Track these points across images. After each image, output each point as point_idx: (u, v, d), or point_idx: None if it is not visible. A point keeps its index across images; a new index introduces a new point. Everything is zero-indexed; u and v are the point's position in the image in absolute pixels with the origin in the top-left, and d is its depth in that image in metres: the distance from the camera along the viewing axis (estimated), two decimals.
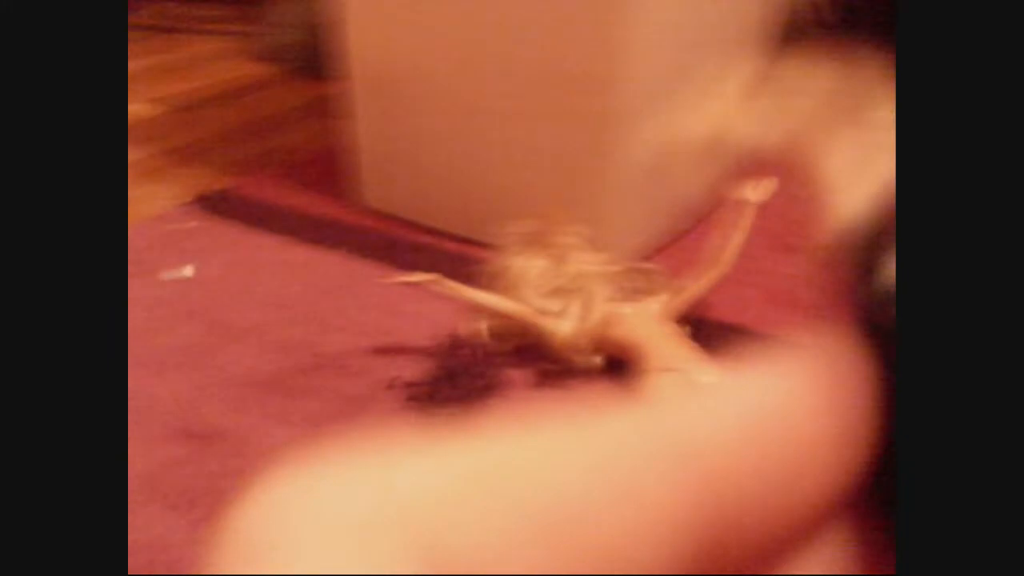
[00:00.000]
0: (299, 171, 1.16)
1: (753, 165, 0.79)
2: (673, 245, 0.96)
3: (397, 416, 0.68)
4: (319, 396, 0.70)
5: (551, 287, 0.75)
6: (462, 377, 0.71)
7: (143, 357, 0.74)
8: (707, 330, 0.81)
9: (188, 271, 0.88)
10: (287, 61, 1.61)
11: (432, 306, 0.82)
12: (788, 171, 0.17)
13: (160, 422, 0.66)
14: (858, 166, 0.16)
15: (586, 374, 0.73)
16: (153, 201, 1.05)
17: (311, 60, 1.57)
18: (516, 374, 0.73)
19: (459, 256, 0.91)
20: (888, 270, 0.15)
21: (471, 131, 0.92)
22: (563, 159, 0.87)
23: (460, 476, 0.14)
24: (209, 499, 0.59)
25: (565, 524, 0.13)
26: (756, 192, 0.78)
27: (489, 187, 0.93)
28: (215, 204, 1.04)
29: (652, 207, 0.92)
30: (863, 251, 0.15)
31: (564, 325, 0.71)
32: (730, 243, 0.75)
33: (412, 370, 0.73)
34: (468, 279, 0.75)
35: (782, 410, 0.14)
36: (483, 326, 0.76)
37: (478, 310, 0.76)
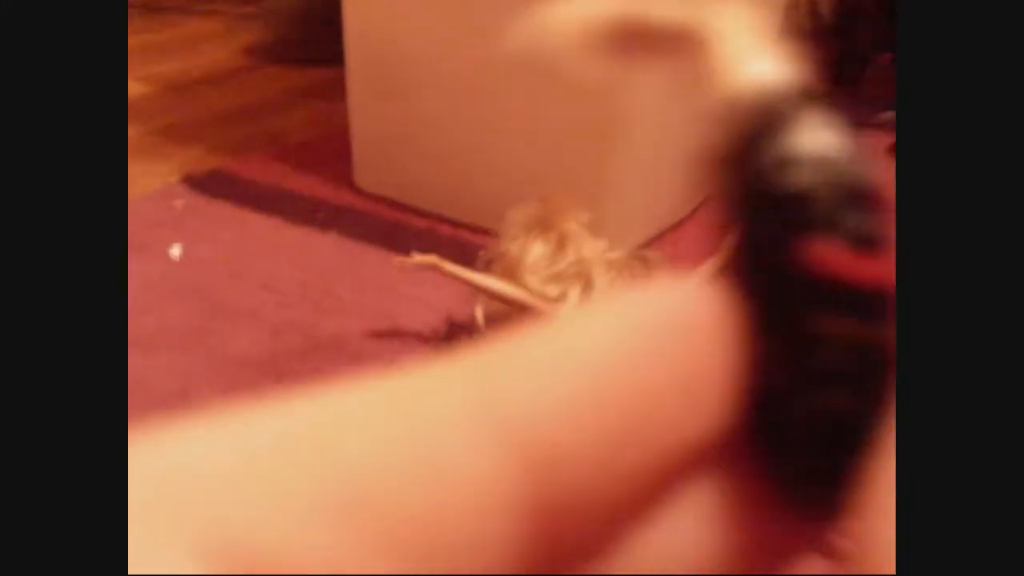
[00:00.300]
0: (293, 153, 1.14)
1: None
2: (674, 232, 0.95)
3: None
4: (313, 380, 0.68)
5: (550, 272, 0.73)
6: None
7: (132, 338, 0.72)
8: None
9: (176, 251, 0.87)
10: (284, 44, 1.59)
11: (429, 290, 0.80)
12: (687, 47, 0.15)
13: (149, 405, 0.65)
14: (755, 35, 0.15)
15: None
16: (144, 180, 1.03)
17: (308, 44, 1.56)
18: None
19: (455, 240, 0.90)
20: (794, 133, 0.13)
21: (468, 113, 0.90)
22: (563, 143, 0.86)
23: (259, 446, 0.11)
24: None
25: (361, 504, 0.11)
26: None
27: (487, 171, 0.92)
28: (206, 184, 1.02)
29: (654, 193, 0.91)
30: (763, 117, 0.13)
31: (563, 311, 0.70)
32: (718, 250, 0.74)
33: (408, 354, 0.72)
34: (465, 263, 0.74)
35: (620, 361, 0.12)
36: (481, 311, 0.75)
37: (476, 294, 0.75)
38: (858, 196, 0.12)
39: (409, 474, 0.11)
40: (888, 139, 1.37)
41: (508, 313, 0.75)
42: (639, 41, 0.16)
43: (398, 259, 0.73)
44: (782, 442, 0.13)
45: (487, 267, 0.77)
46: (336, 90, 1.01)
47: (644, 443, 0.13)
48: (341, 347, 0.72)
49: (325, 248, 0.89)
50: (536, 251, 0.75)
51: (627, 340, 0.12)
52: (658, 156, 0.88)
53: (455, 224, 0.94)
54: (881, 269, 0.12)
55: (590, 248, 0.77)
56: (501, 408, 0.12)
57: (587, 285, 0.73)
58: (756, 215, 0.13)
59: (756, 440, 0.13)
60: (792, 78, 0.14)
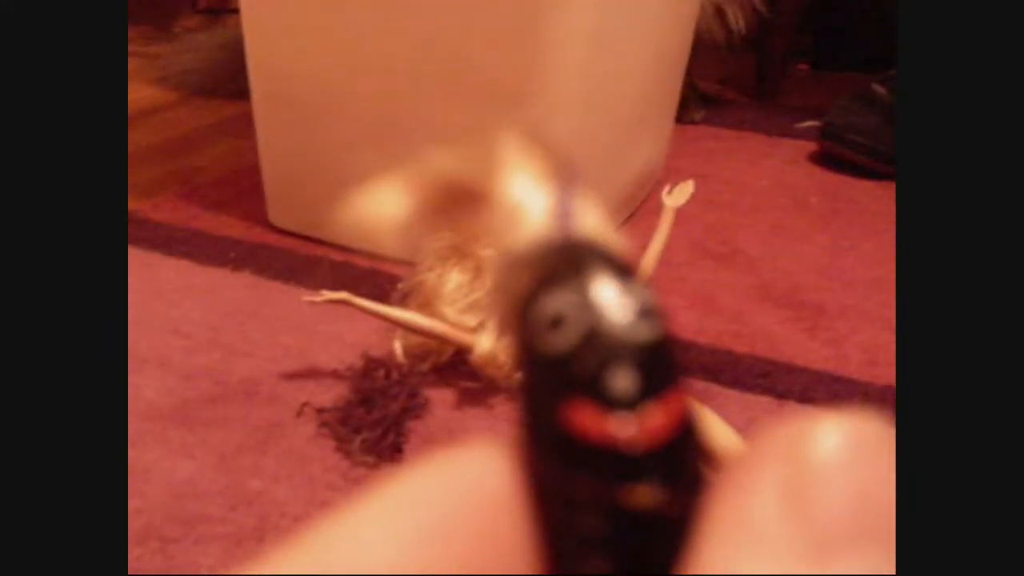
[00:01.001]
0: (203, 192, 1.11)
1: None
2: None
3: (309, 444, 0.64)
4: (225, 426, 0.66)
5: (468, 302, 0.72)
6: (378, 400, 0.67)
7: None
8: None
9: None
10: (195, 82, 1.56)
11: (344, 326, 0.78)
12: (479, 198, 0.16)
13: None
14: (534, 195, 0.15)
15: (509, 391, 0.70)
16: None
17: (220, 80, 1.53)
18: (435, 394, 0.70)
19: (371, 273, 0.88)
20: (562, 291, 0.13)
21: (378, 143, 0.88)
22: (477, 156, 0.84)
23: None
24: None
25: None
26: (674, 197, 0.76)
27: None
28: None
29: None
30: (539, 272, 0.13)
31: (482, 340, 0.68)
32: (650, 249, 0.73)
33: (324, 395, 0.69)
34: (381, 297, 0.72)
35: (412, 561, 0.12)
36: (399, 345, 0.73)
37: (393, 328, 0.73)
38: (624, 353, 0.12)
39: None
40: (808, 145, 1.39)
41: (427, 345, 0.73)
42: (447, 202, 0.16)
43: (307, 296, 0.70)
44: None
45: (404, 299, 0.75)
46: (250, 126, 0.99)
47: None
48: (253, 391, 0.70)
49: (237, 289, 0.86)
50: (453, 280, 0.73)
51: (405, 535, 0.12)
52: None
53: (372, 257, 0.92)
54: (639, 428, 0.12)
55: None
56: None
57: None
58: (530, 373, 0.13)
59: None
60: (573, 231, 0.14)
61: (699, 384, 0.73)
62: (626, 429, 0.12)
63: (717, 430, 0.61)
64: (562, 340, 0.12)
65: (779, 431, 0.12)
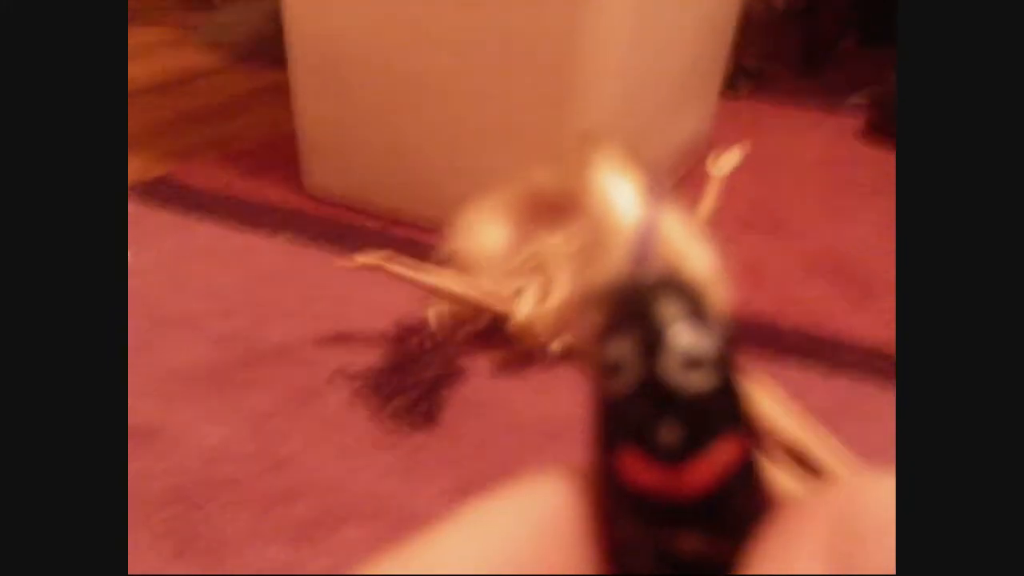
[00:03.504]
0: (242, 158, 1.10)
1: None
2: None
3: (341, 411, 0.63)
4: (259, 390, 0.65)
5: (507, 268, 0.70)
6: (413, 366, 0.66)
7: None
8: None
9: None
10: (235, 49, 1.56)
11: (381, 293, 0.76)
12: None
13: None
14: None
15: (546, 360, 0.69)
16: None
17: (260, 48, 1.52)
18: (470, 362, 0.68)
19: (408, 241, 0.86)
20: (624, 335, 0.13)
21: (418, 111, 0.87)
22: (517, 136, 0.83)
23: None
24: (137, 499, 0.54)
25: None
26: (721, 165, 0.74)
27: (439, 168, 0.88)
28: (152, 192, 0.98)
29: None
30: (614, 311, 0.13)
31: (521, 308, 0.67)
32: (695, 219, 0.71)
33: (360, 360, 0.68)
34: (419, 263, 0.70)
35: None
36: (435, 312, 0.72)
37: (430, 294, 0.71)
38: (673, 406, 0.12)
39: None
40: (854, 122, 1.35)
41: (463, 313, 0.71)
42: (542, 217, 0.17)
43: (341, 260, 0.69)
44: None
45: (442, 265, 0.73)
46: (286, 95, 0.98)
47: None
48: (286, 355, 0.68)
49: (272, 254, 0.85)
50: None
51: (484, 561, 0.13)
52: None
53: (409, 224, 0.91)
54: (681, 481, 0.12)
55: (548, 241, 0.74)
56: None
57: (545, 280, 0.69)
58: (594, 413, 0.13)
59: None
60: (651, 266, 0.14)
61: (746, 357, 0.71)
62: (668, 480, 0.12)
63: (773, 405, 0.59)
64: (619, 386, 0.13)
65: (832, 488, 0.12)
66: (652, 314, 0.13)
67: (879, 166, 1.18)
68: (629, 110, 0.86)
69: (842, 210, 1.03)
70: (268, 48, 1.48)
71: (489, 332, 0.71)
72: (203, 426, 0.61)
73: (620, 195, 0.15)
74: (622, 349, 0.13)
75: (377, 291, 0.77)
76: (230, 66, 1.51)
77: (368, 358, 0.68)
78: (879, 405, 0.66)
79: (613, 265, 0.14)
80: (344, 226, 0.91)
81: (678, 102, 1.00)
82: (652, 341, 0.13)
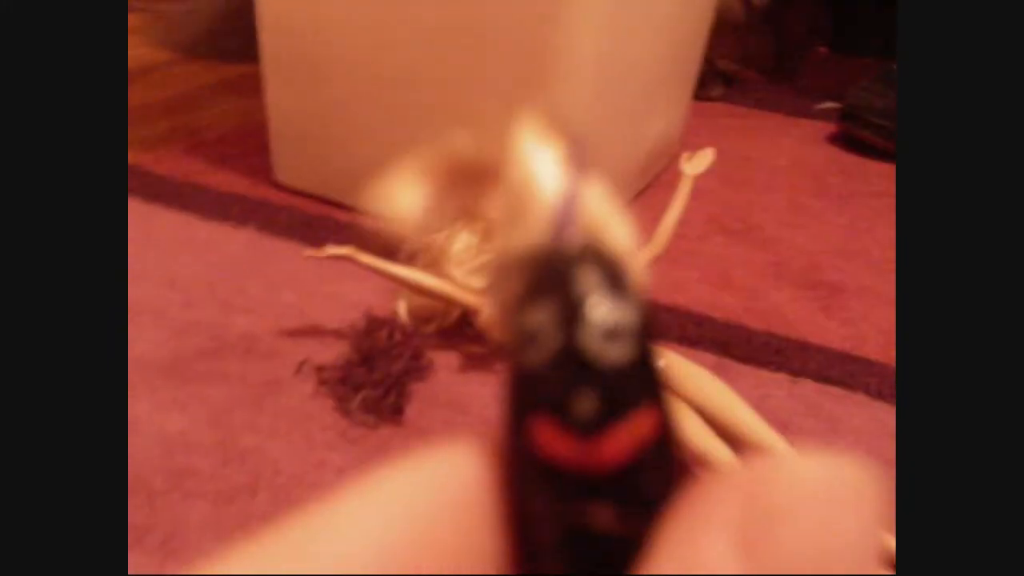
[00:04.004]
0: (207, 149, 1.08)
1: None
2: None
3: (307, 402, 0.62)
4: (223, 380, 0.63)
5: (476, 263, 0.69)
6: (381, 359, 0.65)
7: None
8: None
9: None
10: (184, 46, 1.53)
11: (347, 286, 0.76)
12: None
13: None
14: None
15: None
16: None
17: (211, 44, 1.50)
18: (439, 357, 0.68)
19: (377, 233, 0.85)
20: (541, 306, 0.13)
21: (389, 103, 0.86)
22: (490, 127, 0.82)
23: None
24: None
25: None
26: (693, 164, 0.73)
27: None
28: None
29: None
30: (531, 279, 0.13)
31: (490, 303, 0.66)
32: (667, 216, 0.71)
33: (327, 352, 0.67)
34: (387, 258, 0.69)
35: (384, 553, 0.13)
36: (403, 306, 0.71)
37: (397, 288, 0.70)
38: (589, 376, 0.12)
39: None
40: (825, 127, 1.36)
41: (432, 307, 0.70)
42: (461, 183, 0.17)
43: (309, 251, 0.68)
44: None
45: (411, 259, 0.72)
46: (256, 86, 0.96)
47: None
48: (251, 347, 0.67)
49: (238, 244, 0.84)
50: (461, 241, 0.71)
51: (386, 527, 0.13)
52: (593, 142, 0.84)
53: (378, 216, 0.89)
54: (595, 453, 0.12)
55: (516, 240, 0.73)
56: None
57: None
58: (508, 382, 0.13)
59: None
60: (571, 235, 0.13)
61: (712, 358, 0.71)
62: (582, 452, 0.12)
63: (733, 406, 0.59)
64: (535, 356, 0.12)
65: (743, 467, 0.12)
66: (573, 283, 0.12)
67: (849, 171, 1.19)
68: (602, 108, 0.86)
69: (812, 214, 1.03)
70: (233, 41, 1.46)
71: (459, 327, 0.71)
72: (164, 416, 0.59)
73: (542, 163, 0.14)
74: (540, 318, 0.12)
75: (345, 284, 0.76)
76: (194, 58, 1.49)
77: (335, 350, 0.67)
78: (845, 407, 0.66)
79: (533, 233, 0.13)
80: (312, 217, 0.90)
81: (651, 103, 1.00)
82: (572, 310, 0.12)
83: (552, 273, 0.13)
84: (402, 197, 0.16)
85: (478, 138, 0.17)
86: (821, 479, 0.11)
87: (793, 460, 0.11)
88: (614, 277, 0.13)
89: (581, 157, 0.15)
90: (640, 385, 0.12)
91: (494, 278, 0.14)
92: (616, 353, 0.12)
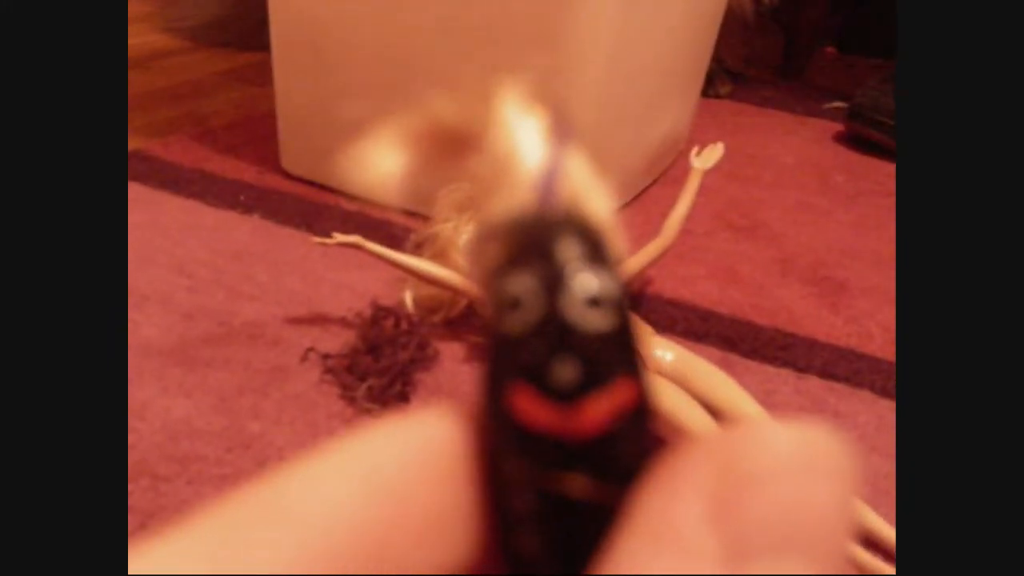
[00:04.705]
0: (215, 136, 1.08)
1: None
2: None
3: (313, 390, 0.62)
4: (229, 366, 0.63)
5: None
6: (387, 348, 0.65)
7: None
8: (647, 305, 0.76)
9: None
10: (193, 33, 1.53)
11: (354, 275, 0.75)
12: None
13: None
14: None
15: None
16: None
17: (219, 32, 1.50)
18: (445, 347, 0.68)
19: (384, 223, 0.85)
20: (522, 273, 0.13)
21: (397, 92, 0.86)
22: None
23: None
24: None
25: None
26: (703, 159, 0.73)
27: None
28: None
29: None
30: (512, 247, 0.13)
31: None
32: (676, 210, 0.71)
33: (333, 340, 0.67)
34: (393, 247, 0.69)
35: (354, 512, 0.13)
36: (409, 296, 0.71)
37: (404, 277, 0.70)
38: (570, 343, 0.12)
39: None
40: (832, 127, 1.36)
41: (439, 297, 0.70)
42: (443, 149, 0.17)
43: (318, 238, 0.68)
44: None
45: (418, 249, 0.72)
46: (265, 74, 0.96)
47: None
48: (257, 334, 0.67)
49: (245, 231, 0.84)
50: (469, 231, 0.71)
51: (360, 487, 0.13)
52: (601, 134, 0.84)
53: (385, 207, 0.90)
54: (574, 420, 0.12)
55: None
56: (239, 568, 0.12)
57: None
58: (489, 349, 0.13)
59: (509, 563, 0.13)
60: (553, 202, 0.13)
61: (718, 354, 0.71)
62: (561, 419, 0.12)
63: (739, 400, 0.59)
64: (516, 323, 0.12)
65: (717, 436, 0.12)
66: (555, 251, 0.13)
67: (856, 171, 1.19)
68: (612, 104, 0.85)
69: (819, 212, 1.03)
70: (241, 29, 1.46)
71: (465, 317, 0.71)
72: (170, 401, 0.59)
73: (526, 131, 0.14)
74: (522, 285, 0.12)
75: (352, 272, 0.76)
76: (192, 48, 1.49)
77: (341, 339, 0.67)
78: (850, 404, 0.66)
79: (516, 201, 0.14)
80: (320, 206, 0.90)
81: (659, 98, 1.00)
82: (554, 278, 0.12)
83: (534, 241, 0.13)
84: (381, 162, 0.16)
85: (459, 103, 0.17)
86: (796, 448, 0.11)
87: (768, 429, 0.11)
88: (595, 246, 0.13)
89: (563, 127, 0.15)
90: (619, 355, 0.12)
91: (476, 245, 0.14)
92: (597, 322, 0.12)
